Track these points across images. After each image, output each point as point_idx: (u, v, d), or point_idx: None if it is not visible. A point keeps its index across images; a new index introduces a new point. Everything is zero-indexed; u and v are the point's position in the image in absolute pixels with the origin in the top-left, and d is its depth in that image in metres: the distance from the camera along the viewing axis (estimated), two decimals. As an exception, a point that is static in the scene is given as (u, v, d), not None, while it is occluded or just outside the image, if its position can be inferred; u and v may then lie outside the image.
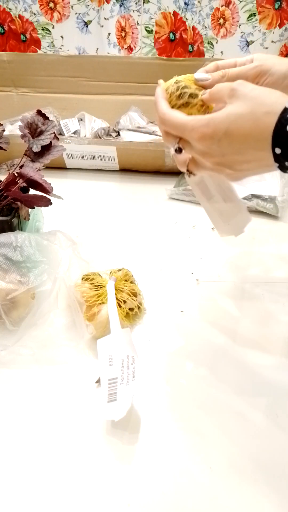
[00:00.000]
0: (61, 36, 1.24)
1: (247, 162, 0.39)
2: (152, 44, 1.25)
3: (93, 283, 0.51)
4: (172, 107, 0.42)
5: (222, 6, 1.19)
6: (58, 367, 0.46)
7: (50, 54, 1.25)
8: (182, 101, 0.41)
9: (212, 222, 0.47)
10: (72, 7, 1.19)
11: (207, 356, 0.49)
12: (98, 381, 0.44)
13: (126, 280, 0.54)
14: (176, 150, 0.42)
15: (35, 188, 0.55)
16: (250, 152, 0.37)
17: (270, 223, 0.75)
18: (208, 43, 1.27)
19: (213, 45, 1.27)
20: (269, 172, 0.40)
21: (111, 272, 0.55)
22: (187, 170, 0.44)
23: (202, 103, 0.41)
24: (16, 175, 0.55)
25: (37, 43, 1.25)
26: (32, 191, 0.56)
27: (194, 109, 0.42)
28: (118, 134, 0.97)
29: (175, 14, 1.20)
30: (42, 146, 0.55)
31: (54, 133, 0.56)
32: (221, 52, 1.28)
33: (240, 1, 1.17)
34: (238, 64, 0.44)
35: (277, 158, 0.36)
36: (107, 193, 0.87)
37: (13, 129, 0.97)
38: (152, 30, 1.23)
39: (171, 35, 1.24)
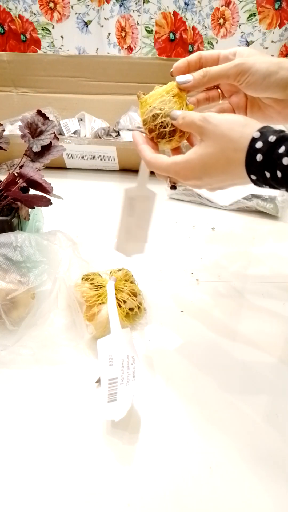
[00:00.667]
0: (61, 36, 1.24)
1: (232, 184, 0.42)
2: (152, 44, 1.25)
3: (93, 283, 0.51)
4: (153, 138, 0.44)
5: (222, 6, 1.19)
6: (58, 367, 0.46)
7: (50, 54, 1.25)
8: (164, 140, 0.43)
9: (117, 233, 0.50)
10: (72, 7, 1.19)
11: (207, 356, 0.49)
12: (98, 381, 0.44)
13: (126, 280, 0.54)
14: (171, 187, 0.45)
15: (35, 188, 0.55)
16: (231, 181, 0.41)
17: (270, 223, 0.75)
18: (208, 43, 1.27)
19: (213, 45, 1.27)
20: None
21: (111, 272, 0.55)
22: (170, 183, 0.46)
23: (180, 133, 0.43)
24: (16, 175, 0.55)
25: (37, 43, 1.25)
26: (32, 191, 0.56)
27: (174, 141, 0.44)
28: (118, 134, 0.97)
29: (175, 14, 1.20)
30: (42, 146, 0.55)
31: (54, 133, 0.56)
32: (221, 52, 1.28)
33: (240, 1, 1.17)
34: (221, 57, 0.45)
35: (254, 182, 0.38)
36: (107, 193, 0.87)
37: (13, 129, 0.97)
38: (152, 30, 1.23)
39: (171, 35, 1.24)
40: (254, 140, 0.36)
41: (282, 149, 0.35)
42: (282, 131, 0.36)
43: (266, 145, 0.35)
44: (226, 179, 0.40)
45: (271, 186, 0.37)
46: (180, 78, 0.43)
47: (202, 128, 0.39)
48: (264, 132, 0.36)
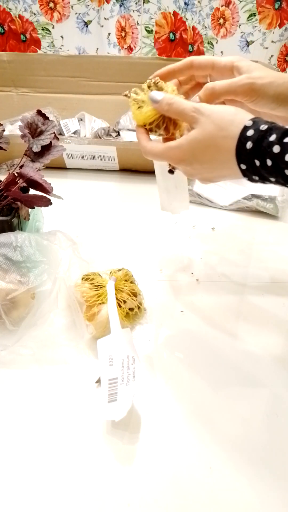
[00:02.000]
0: (61, 36, 1.24)
1: (222, 176, 0.42)
2: (152, 44, 1.26)
3: (93, 283, 0.51)
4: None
5: (222, 6, 1.19)
6: (58, 367, 0.46)
7: (50, 54, 1.25)
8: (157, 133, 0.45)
9: (159, 196, 0.55)
10: (72, 7, 1.19)
11: (207, 356, 0.49)
12: (98, 381, 0.44)
13: (126, 280, 0.54)
14: (169, 171, 0.47)
15: (35, 188, 0.55)
16: (221, 171, 0.41)
17: (270, 223, 0.75)
18: (208, 43, 1.27)
19: (213, 45, 1.27)
20: None
21: (111, 272, 0.55)
22: (169, 166, 0.48)
23: (170, 129, 0.44)
24: (16, 175, 0.55)
25: (37, 43, 1.25)
26: (32, 191, 0.56)
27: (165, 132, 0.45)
28: (118, 134, 0.97)
29: (175, 14, 1.20)
30: (42, 146, 0.55)
31: (54, 133, 0.56)
32: (221, 52, 1.28)
33: (240, 1, 1.17)
34: (216, 67, 0.45)
35: (244, 173, 0.38)
36: (107, 193, 0.87)
37: (13, 129, 0.97)
38: (152, 30, 1.23)
39: (171, 35, 1.24)
40: (246, 128, 0.36)
41: (273, 137, 0.34)
42: (273, 122, 0.36)
43: (257, 133, 0.35)
44: (215, 168, 0.40)
45: (261, 177, 0.37)
46: (153, 96, 0.43)
47: (194, 118, 0.39)
48: (256, 121, 0.37)
